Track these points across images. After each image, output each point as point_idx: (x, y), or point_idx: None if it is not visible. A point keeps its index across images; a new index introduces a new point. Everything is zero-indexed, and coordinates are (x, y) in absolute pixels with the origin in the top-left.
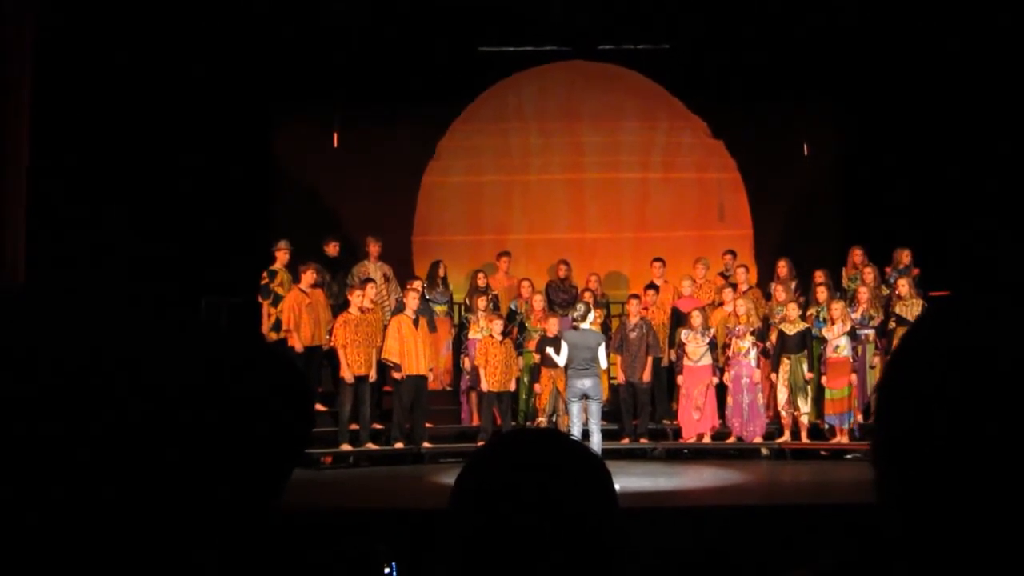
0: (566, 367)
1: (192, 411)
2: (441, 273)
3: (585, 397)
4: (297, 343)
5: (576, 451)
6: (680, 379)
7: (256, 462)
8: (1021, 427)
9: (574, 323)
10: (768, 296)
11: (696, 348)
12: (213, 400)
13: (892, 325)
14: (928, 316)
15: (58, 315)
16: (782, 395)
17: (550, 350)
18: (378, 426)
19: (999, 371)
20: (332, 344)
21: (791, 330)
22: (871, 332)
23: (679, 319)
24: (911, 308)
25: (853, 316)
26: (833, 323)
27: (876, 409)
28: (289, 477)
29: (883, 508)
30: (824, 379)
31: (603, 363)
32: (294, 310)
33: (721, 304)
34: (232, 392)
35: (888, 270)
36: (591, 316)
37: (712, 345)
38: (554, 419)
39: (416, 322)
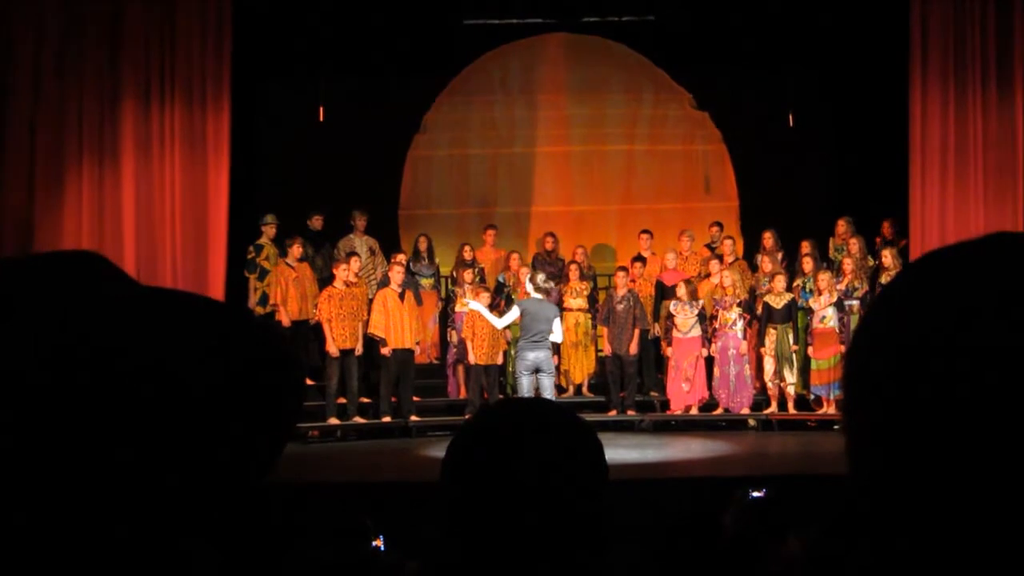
0: (520, 339)
1: (181, 387)
2: (425, 246)
3: (537, 370)
4: (284, 317)
5: (566, 420)
6: (669, 351)
7: (247, 438)
8: (991, 392)
9: (537, 290)
10: (754, 267)
11: (685, 320)
12: (202, 375)
13: None
14: (893, 285)
15: (37, 285)
16: (769, 366)
17: (475, 305)
18: (365, 400)
19: (970, 335)
20: (317, 318)
21: (777, 301)
22: (856, 303)
23: (663, 292)
24: None
25: (838, 287)
26: (819, 294)
27: (844, 376)
28: (281, 453)
29: (854, 478)
30: (810, 350)
31: (558, 336)
32: (281, 284)
33: (708, 276)
34: (221, 366)
35: (877, 241)
36: (547, 286)
37: (701, 316)
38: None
39: (402, 296)
